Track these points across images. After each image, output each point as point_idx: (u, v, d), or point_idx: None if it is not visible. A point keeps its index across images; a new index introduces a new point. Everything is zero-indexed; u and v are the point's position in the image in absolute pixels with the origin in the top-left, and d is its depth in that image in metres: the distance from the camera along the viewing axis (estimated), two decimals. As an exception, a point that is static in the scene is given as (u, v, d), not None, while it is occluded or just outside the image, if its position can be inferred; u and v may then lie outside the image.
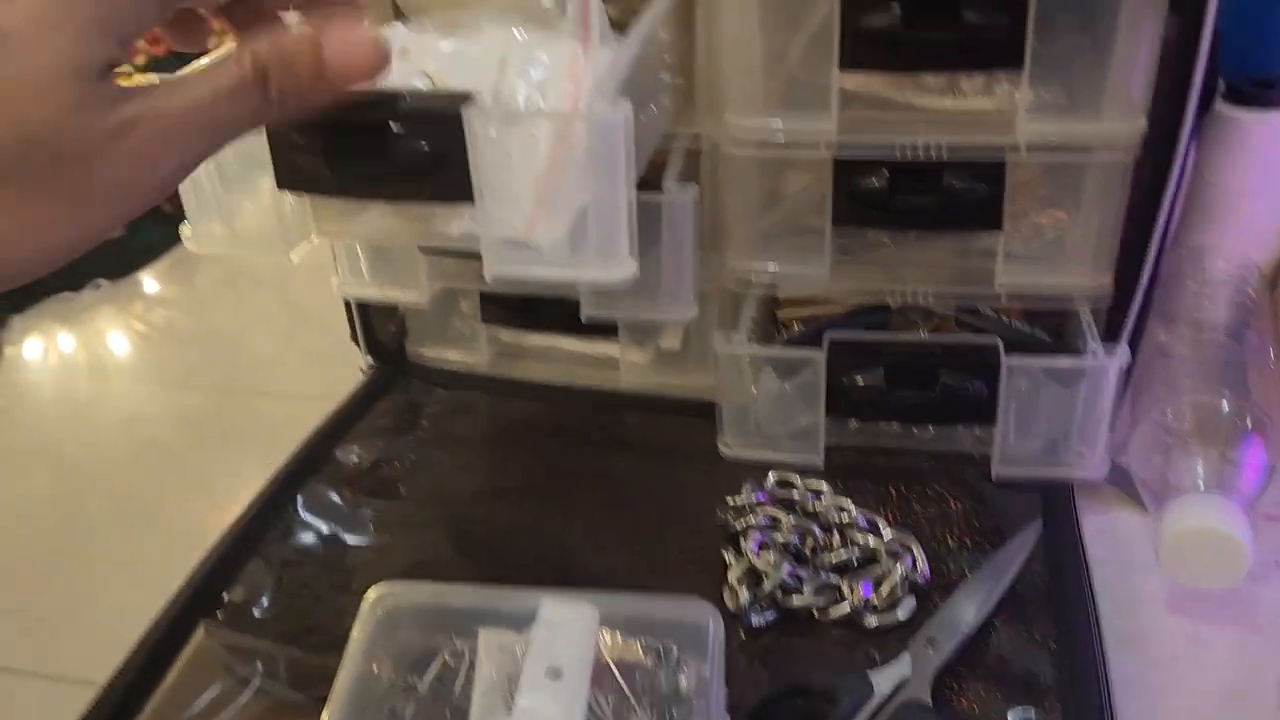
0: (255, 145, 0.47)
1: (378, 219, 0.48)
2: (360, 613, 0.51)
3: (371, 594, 0.51)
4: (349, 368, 0.77)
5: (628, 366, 0.72)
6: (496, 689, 0.48)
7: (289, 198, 0.48)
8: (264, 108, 0.35)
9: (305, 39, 0.36)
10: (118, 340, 0.93)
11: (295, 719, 0.51)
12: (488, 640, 0.50)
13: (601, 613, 0.50)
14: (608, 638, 0.49)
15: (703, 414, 0.69)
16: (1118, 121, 0.57)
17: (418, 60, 0.49)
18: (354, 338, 0.74)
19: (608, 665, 0.49)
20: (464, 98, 0.43)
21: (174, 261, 1.02)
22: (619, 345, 0.72)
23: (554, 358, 0.75)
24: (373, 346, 0.75)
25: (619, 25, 0.65)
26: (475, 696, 0.47)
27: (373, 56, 0.37)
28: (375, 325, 0.74)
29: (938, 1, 0.55)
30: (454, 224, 0.48)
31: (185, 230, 0.51)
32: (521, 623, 0.49)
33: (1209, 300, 0.73)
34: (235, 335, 0.90)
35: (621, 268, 0.46)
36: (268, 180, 0.47)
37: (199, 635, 0.55)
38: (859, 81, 0.62)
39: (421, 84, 0.48)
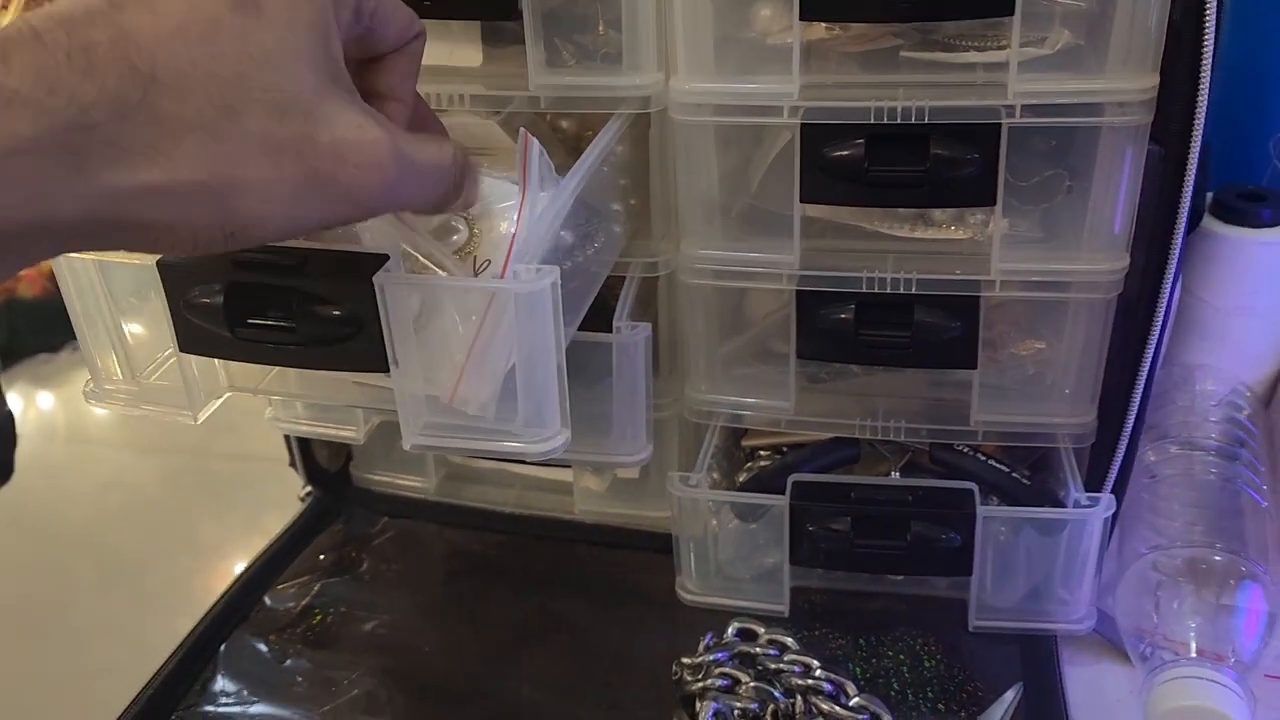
0: (158, 303, 0.43)
1: (297, 377, 0.44)
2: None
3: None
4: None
5: (582, 494, 0.68)
6: None
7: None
8: (448, 198, 0.40)
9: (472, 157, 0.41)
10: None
11: None
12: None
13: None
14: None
15: (662, 548, 0.65)
16: (1098, 257, 0.54)
17: None
18: (293, 464, 0.70)
19: None
20: (380, 260, 0.39)
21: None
22: (573, 472, 0.68)
23: (505, 482, 0.71)
24: (312, 473, 0.70)
25: (574, 140, 0.62)
26: None
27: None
28: (315, 450, 0.70)
29: (903, 136, 0.51)
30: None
31: (86, 386, 0.47)
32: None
33: (1199, 421, 0.69)
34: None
35: (551, 440, 0.42)
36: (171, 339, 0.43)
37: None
38: (824, 209, 0.58)
39: (461, 225, 0.45)
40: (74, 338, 1.00)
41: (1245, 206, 0.67)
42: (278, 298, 0.40)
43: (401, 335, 0.41)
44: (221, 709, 0.57)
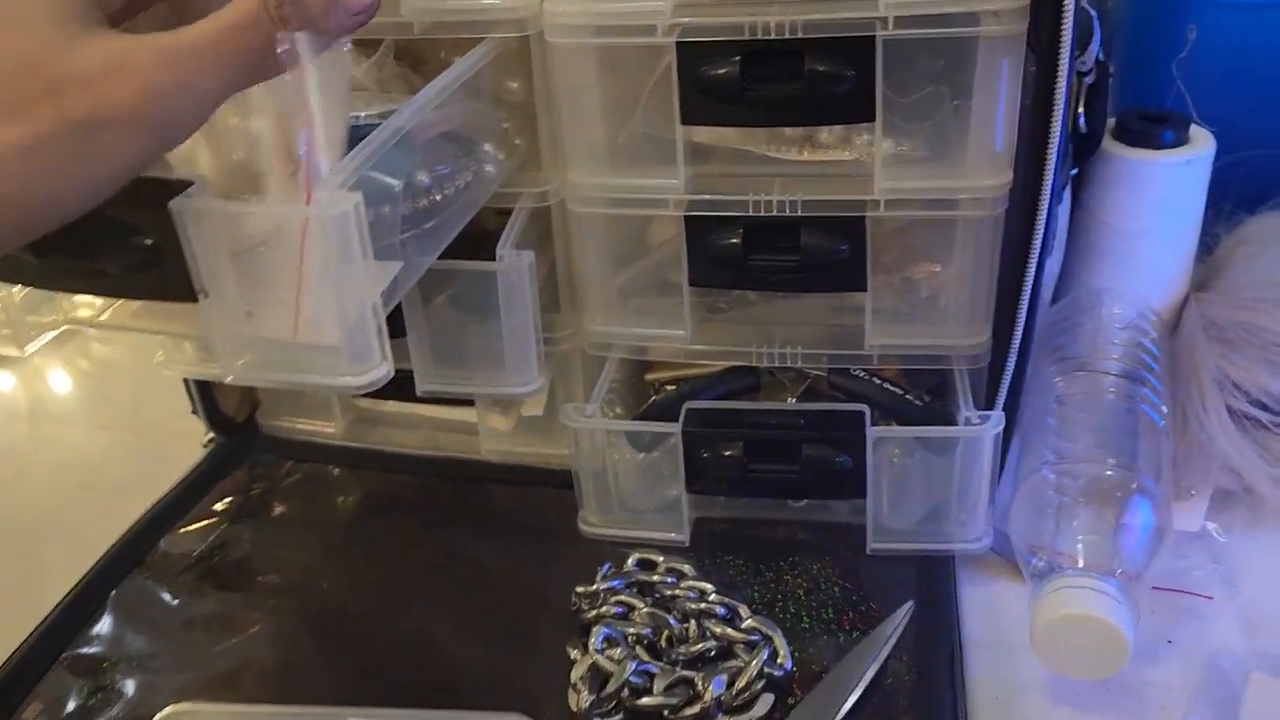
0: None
1: (135, 306, 0.43)
2: (144, 740, 0.46)
3: (160, 716, 0.46)
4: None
5: (488, 434, 0.68)
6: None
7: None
8: (274, 41, 0.36)
9: None
10: (59, 380, 0.87)
11: None
12: (286, 768, 0.45)
13: (411, 733, 0.45)
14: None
15: (569, 484, 0.65)
16: (982, 173, 0.54)
17: None
18: (195, 411, 0.69)
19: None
20: (181, 186, 0.38)
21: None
22: (478, 412, 0.67)
23: (413, 424, 0.71)
24: (215, 420, 0.69)
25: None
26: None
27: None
28: (219, 396, 0.69)
29: (780, 53, 0.51)
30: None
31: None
32: (324, 747, 0.45)
33: (1104, 344, 0.69)
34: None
35: (372, 372, 0.41)
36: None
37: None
38: (711, 134, 0.58)
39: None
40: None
41: (1147, 128, 0.66)
42: (81, 223, 0.39)
43: (209, 264, 0.40)
44: (113, 651, 0.56)
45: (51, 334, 0.45)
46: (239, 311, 0.42)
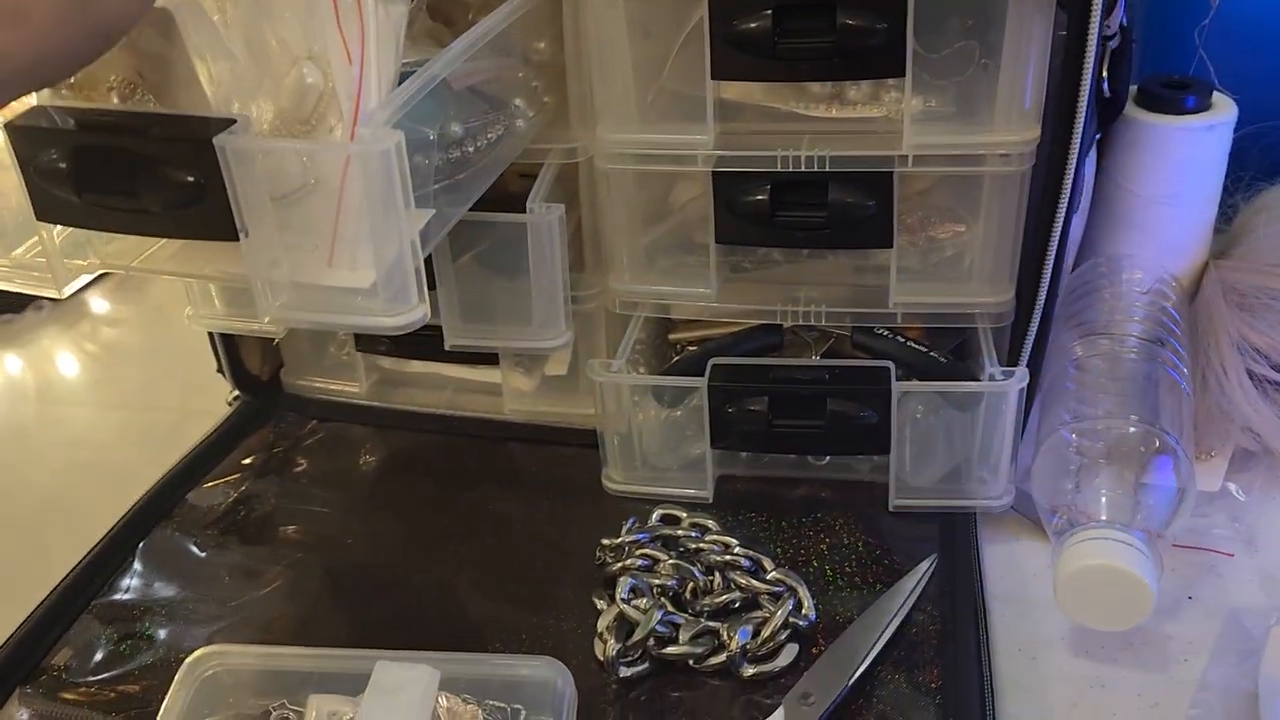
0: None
1: (172, 250, 0.44)
2: (177, 678, 0.46)
3: (192, 657, 0.47)
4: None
5: (511, 394, 0.68)
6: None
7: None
8: None
9: None
10: (67, 362, 0.87)
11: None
12: (319, 707, 0.46)
13: (444, 674, 0.46)
14: (445, 701, 0.45)
15: (592, 443, 0.65)
16: (1010, 130, 0.54)
17: None
18: (220, 370, 0.69)
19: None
20: (223, 123, 0.39)
21: (121, 278, 0.94)
22: (501, 372, 0.68)
23: (437, 385, 0.71)
24: (240, 378, 0.70)
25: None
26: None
27: None
28: (244, 355, 0.70)
29: (811, 7, 0.51)
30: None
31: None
32: (356, 687, 0.45)
33: (1126, 307, 0.69)
34: (192, 349, 0.80)
35: (409, 313, 0.42)
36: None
37: (11, 707, 0.51)
38: (741, 91, 0.58)
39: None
40: (36, 297, 0.98)
41: (1169, 94, 0.67)
42: (124, 161, 0.40)
43: (250, 202, 0.40)
44: (139, 599, 0.57)
45: (88, 277, 0.46)
46: (278, 252, 0.42)
